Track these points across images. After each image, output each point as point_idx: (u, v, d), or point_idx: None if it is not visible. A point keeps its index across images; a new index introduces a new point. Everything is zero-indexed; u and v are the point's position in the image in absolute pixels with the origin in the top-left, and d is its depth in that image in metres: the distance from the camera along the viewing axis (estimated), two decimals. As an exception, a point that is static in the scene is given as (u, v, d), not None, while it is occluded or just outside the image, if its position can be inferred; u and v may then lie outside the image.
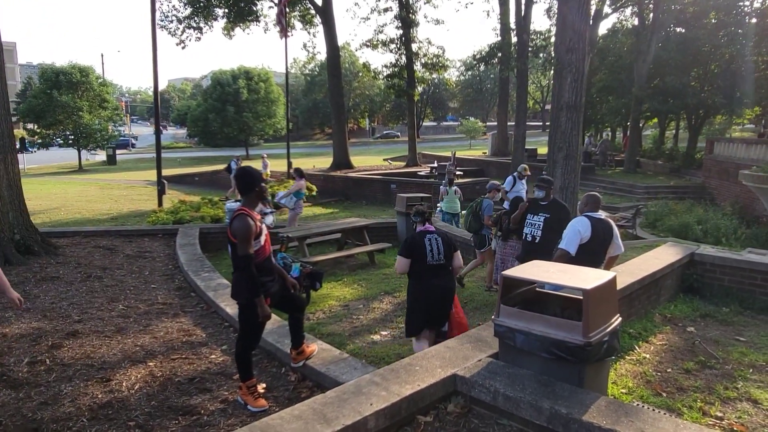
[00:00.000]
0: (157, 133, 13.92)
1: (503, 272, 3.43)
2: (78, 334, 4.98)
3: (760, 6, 21.45)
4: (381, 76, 28.34)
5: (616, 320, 3.30)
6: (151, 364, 4.40)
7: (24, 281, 6.63)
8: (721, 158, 18.11)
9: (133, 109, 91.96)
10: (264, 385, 4.05)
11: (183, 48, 23.38)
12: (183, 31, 23.07)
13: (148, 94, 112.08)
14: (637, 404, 3.53)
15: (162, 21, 22.91)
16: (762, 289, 5.90)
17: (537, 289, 3.71)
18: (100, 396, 3.83)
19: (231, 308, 5.53)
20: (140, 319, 5.51)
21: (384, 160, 34.25)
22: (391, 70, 26.97)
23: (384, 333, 5.99)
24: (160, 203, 13.60)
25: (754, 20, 21.74)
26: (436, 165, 22.25)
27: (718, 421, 3.48)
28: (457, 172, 16.91)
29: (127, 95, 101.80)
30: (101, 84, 38.72)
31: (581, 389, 3.02)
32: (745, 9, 22.21)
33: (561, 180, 7.65)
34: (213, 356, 4.64)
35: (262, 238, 3.79)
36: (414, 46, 26.59)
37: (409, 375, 3.16)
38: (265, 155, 22.45)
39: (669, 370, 4.31)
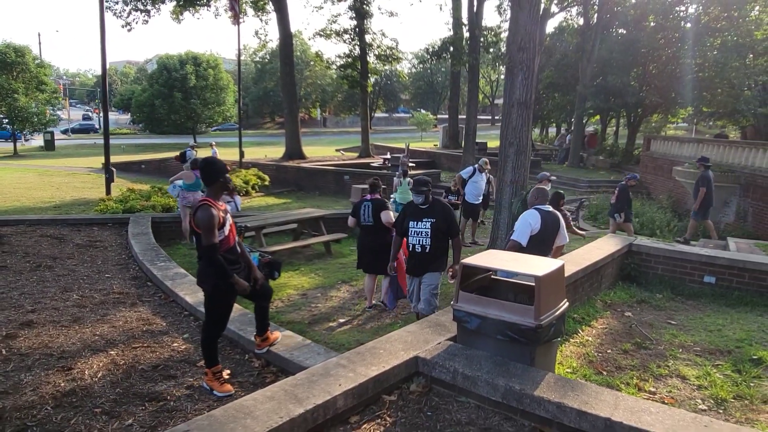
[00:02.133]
0: (105, 119, 13.47)
1: (462, 261, 3.66)
2: (33, 324, 4.90)
3: (694, 11, 22.70)
4: (334, 67, 28.26)
5: (564, 305, 3.59)
6: (112, 352, 4.40)
7: (-32, 271, 6.40)
8: (657, 155, 19.18)
9: (71, 92, 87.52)
10: (229, 372, 4.15)
11: (129, 30, 22.56)
12: (129, 13, 22.27)
13: (88, 77, 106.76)
14: (582, 382, 3.84)
15: (107, 1, 21.99)
16: (691, 276, 6.43)
17: (492, 276, 3.97)
18: (62, 384, 3.83)
19: (190, 297, 5.56)
20: (97, 308, 5.45)
21: (336, 150, 34.20)
22: (344, 60, 26.95)
23: (342, 320, 6.17)
24: (108, 191, 13.20)
25: (689, 25, 23.00)
26: (389, 156, 22.48)
27: (651, 396, 3.84)
28: (410, 164, 17.17)
29: (65, 77, 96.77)
30: (38, 65, 36.78)
31: (532, 368, 3.29)
32: (681, 14, 23.46)
33: (511, 174, 7.99)
34: (175, 344, 4.68)
35: (227, 228, 3.86)
36: (368, 38, 26.68)
37: (374, 357, 3.34)
38: (214, 143, 22.03)
39: (609, 351, 4.68)
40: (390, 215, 6.28)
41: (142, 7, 22.44)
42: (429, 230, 5.05)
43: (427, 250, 5.10)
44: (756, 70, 20.61)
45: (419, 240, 5.12)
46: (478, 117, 25.41)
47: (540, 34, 19.13)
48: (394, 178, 14.05)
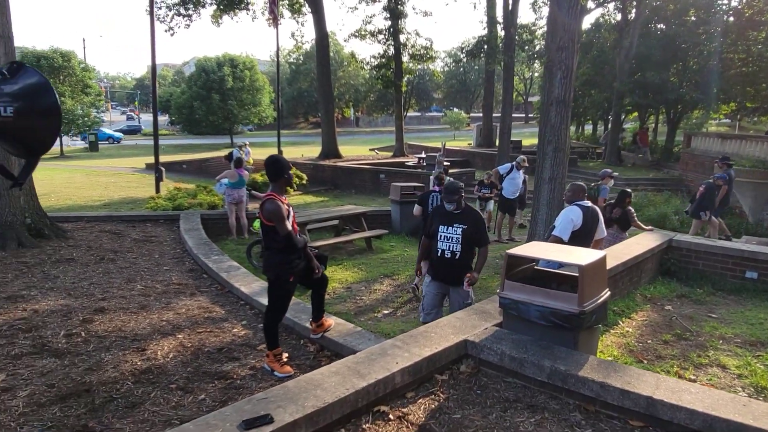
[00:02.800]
0: (155, 120, 14.09)
1: (508, 251, 3.88)
2: (105, 311, 5.32)
3: (737, 5, 22.18)
4: (369, 67, 28.56)
5: (606, 293, 3.77)
6: (179, 336, 4.78)
7: (41, 263, 6.91)
8: (698, 152, 18.84)
9: (111, 95, 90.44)
10: (287, 355, 4.46)
11: (172, 35, 23.43)
12: (172, 18, 23.06)
13: (127, 80, 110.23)
14: (623, 365, 4.01)
15: (149, 7, 22.79)
16: (733, 272, 6.47)
17: (535, 267, 4.17)
18: (139, 363, 4.21)
19: (245, 288, 5.92)
20: (160, 297, 5.86)
21: (370, 149, 34.51)
22: (379, 60, 27.23)
23: (386, 312, 6.43)
24: (157, 190, 13.81)
25: (731, 18, 22.48)
26: (424, 155, 22.64)
27: (691, 383, 3.98)
28: (446, 163, 17.33)
29: (105, 80, 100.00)
30: (83, 69, 38.32)
31: (576, 351, 3.48)
32: (723, 7, 22.93)
33: (550, 171, 8.12)
34: (235, 330, 5.03)
35: (290, 220, 4.18)
36: (402, 38, 26.85)
37: (426, 340, 3.59)
38: (247, 143, 22.62)
39: (649, 341, 4.82)
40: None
41: (184, 12, 23.18)
42: (460, 236, 4.75)
43: (457, 257, 4.75)
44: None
45: (449, 246, 4.77)
46: (512, 115, 25.38)
47: (577, 32, 18.96)
48: (431, 177, 14.27)
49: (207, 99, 45.47)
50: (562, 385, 3.22)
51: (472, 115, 63.33)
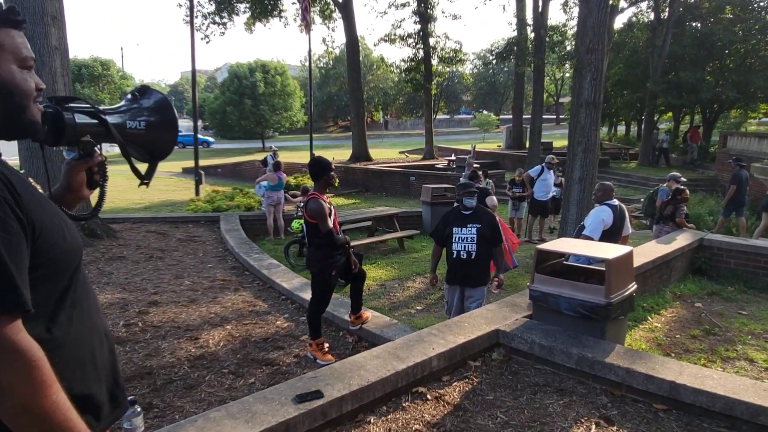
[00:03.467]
0: (195, 126, 14.65)
1: (538, 246, 4.09)
2: (158, 303, 5.72)
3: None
4: (398, 71, 28.87)
5: (632, 287, 3.94)
6: (228, 327, 5.13)
7: (95, 260, 7.39)
8: (734, 152, 18.50)
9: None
10: (328, 345, 4.75)
11: (207, 43, 24.21)
12: (208, 26, 23.81)
13: (161, 86, 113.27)
14: (648, 353, 4.18)
15: (187, 16, 23.60)
16: (765, 270, 6.50)
17: (564, 262, 4.37)
18: (193, 350, 4.56)
19: (286, 284, 6.25)
20: (207, 292, 6.24)
21: (400, 152, 34.81)
22: (408, 64, 27.52)
23: (419, 308, 6.68)
24: (197, 192, 14.36)
25: (769, 15, 22.02)
26: (453, 158, 22.82)
27: (713, 370, 4.11)
28: (475, 165, 17.48)
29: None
30: (122, 77, 39.73)
31: (603, 341, 3.67)
32: (761, 4, 22.46)
33: (580, 172, 8.24)
34: (278, 322, 5.36)
35: (332, 218, 4.48)
36: (431, 41, 27.09)
37: (460, 329, 3.83)
38: (275, 147, 23.08)
39: (677, 336, 4.95)
40: (494, 200, 7.48)
41: (219, 20, 23.92)
42: (475, 236, 4.80)
43: (473, 257, 4.80)
44: None
45: (465, 246, 4.81)
46: (544, 116, 25.34)
47: (608, 33, 18.86)
48: (461, 179, 14.43)
49: (239, 104, 46.50)
50: (590, 371, 3.42)
51: (501, 117, 63.03)
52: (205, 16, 24.02)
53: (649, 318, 5.34)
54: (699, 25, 24.43)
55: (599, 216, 5.32)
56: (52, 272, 1.14)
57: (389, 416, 3.01)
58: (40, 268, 1.11)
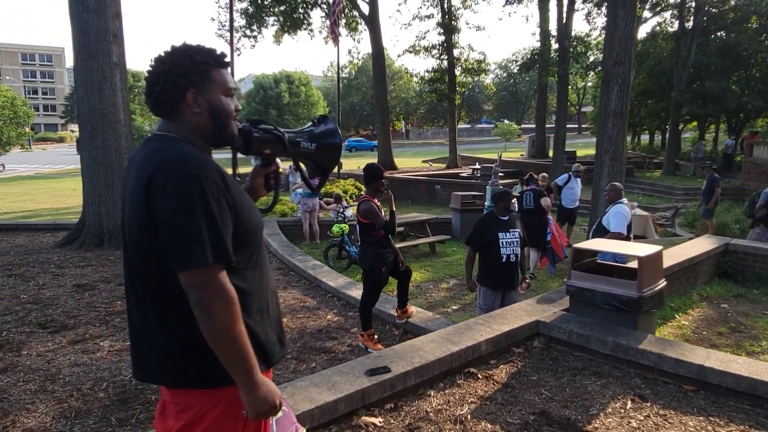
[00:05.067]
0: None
1: (574, 245, 4.47)
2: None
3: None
4: (422, 81, 29.39)
5: (662, 283, 4.30)
6: (284, 320, 5.54)
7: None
8: (761, 161, 18.56)
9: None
10: (377, 336, 5.17)
11: (239, 55, 24.94)
12: (239, 39, 24.64)
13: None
14: (678, 342, 4.51)
15: (219, 30, 24.51)
16: (789, 274, 6.75)
17: (597, 261, 4.74)
18: (256, 339, 5.01)
19: (332, 282, 6.70)
20: (258, 289, 6.72)
21: (423, 161, 35.24)
22: (433, 75, 28.02)
23: (455, 307, 7.07)
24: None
25: (795, 25, 22.03)
26: (478, 166, 23.16)
27: (738, 356, 4.42)
28: (501, 173, 17.81)
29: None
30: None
31: (636, 331, 4.03)
32: (787, 13, 22.49)
33: (607, 179, 8.58)
34: (329, 317, 5.80)
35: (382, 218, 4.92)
36: (456, 52, 27.60)
37: (503, 319, 4.23)
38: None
39: (704, 333, 5.26)
40: (548, 201, 8.29)
41: (250, 34, 24.76)
42: (518, 240, 5.11)
43: (518, 259, 5.13)
44: None
45: (512, 250, 5.05)
46: (567, 125, 25.54)
47: (633, 45, 19.02)
48: (487, 187, 14.81)
49: (264, 114, 47.53)
50: (624, 356, 3.78)
51: (523, 126, 63.12)
52: (236, 30, 24.87)
53: (677, 316, 5.65)
54: (724, 34, 24.50)
55: (621, 213, 5.73)
56: (246, 240, 1.59)
57: (446, 391, 3.42)
58: (239, 237, 1.56)
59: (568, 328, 4.09)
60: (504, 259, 5.03)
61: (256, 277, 1.65)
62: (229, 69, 1.67)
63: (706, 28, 24.06)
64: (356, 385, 3.09)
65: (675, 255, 6.45)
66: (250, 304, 1.60)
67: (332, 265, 8.68)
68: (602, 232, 5.77)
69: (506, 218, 5.20)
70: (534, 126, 33.22)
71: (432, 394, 3.36)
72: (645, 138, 40.04)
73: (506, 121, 59.12)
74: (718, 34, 24.86)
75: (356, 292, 6.04)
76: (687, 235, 12.56)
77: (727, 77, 22.94)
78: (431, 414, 3.12)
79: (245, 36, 25.09)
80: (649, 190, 20.51)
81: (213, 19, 45.14)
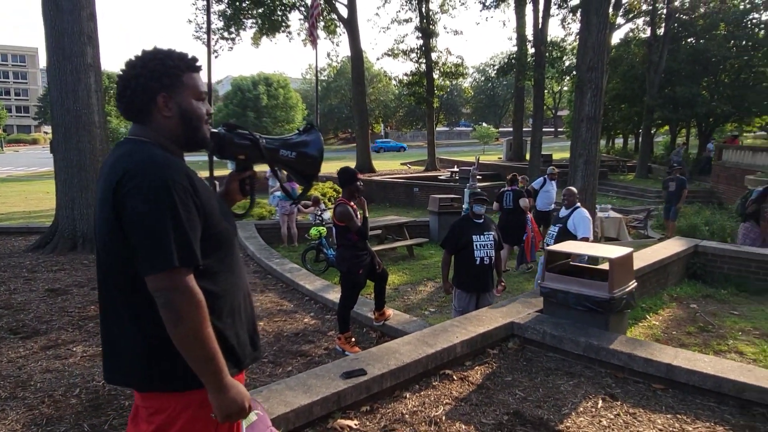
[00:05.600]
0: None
1: (547, 248, 4.55)
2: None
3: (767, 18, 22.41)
4: (401, 84, 29.52)
5: (632, 284, 4.40)
6: (260, 324, 5.56)
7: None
8: (729, 164, 19.05)
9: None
10: (354, 339, 5.18)
11: (216, 57, 24.71)
12: (216, 42, 24.44)
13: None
14: (647, 341, 4.62)
15: (197, 32, 24.29)
16: (756, 275, 6.95)
17: (570, 263, 4.83)
18: (232, 343, 4.98)
19: (309, 285, 6.69)
20: (235, 293, 6.67)
21: (402, 164, 35.37)
22: (411, 78, 28.17)
23: (432, 309, 7.11)
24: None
25: (762, 32, 22.68)
26: (456, 169, 23.34)
27: (705, 355, 4.55)
28: (478, 176, 17.98)
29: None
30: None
31: (607, 331, 4.12)
32: (754, 21, 23.15)
33: (581, 182, 8.75)
34: (306, 320, 5.79)
35: (358, 221, 4.94)
36: (434, 56, 27.79)
37: (479, 321, 4.28)
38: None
39: (674, 332, 5.39)
40: (526, 201, 8.77)
41: (227, 36, 24.59)
42: (493, 242, 5.17)
43: (492, 262, 5.20)
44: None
45: (487, 252, 5.13)
46: (543, 129, 25.90)
47: (606, 50, 19.30)
48: (465, 190, 14.95)
49: (242, 117, 47.19)
50: (596, 356, 3.86)
51: (500, 129, 63.80)
52: (214, 32, 24.67)
53: (648, 317, 5.78)
54: (694, 41, 25.13)
55: (586, 217, 5.91)
56: (217, 243, 1.60)
57: (422, 392, 3.45)
58: (209, 240, 1.56)
59: (541, 329, 4.16)
60: (478, 262, 5.10)
61: (228, 280, 1.65)
62: (200, 73, 1.68)
63: (676, 34, 24.65)
64: (332, 388, 3.11)
65: (646, 256, 6.59)
66: (221, 307, 1.61)
67: (310, 268, 8.67)
68: (568, 236, 5.86)
69: (481, 221, 5.28)
70: (511, 129, 33.60)
71: (408, 395, 3.39)
72: (619, 141, 40.79)
73: (484, 125, 59.71)
74: (689, 40, 25.49)
75: (333, 295, 6.05)
76: (658, 237, 12.84)
77: (697, 83, 23.51)
78: (407, 416, 3.14)
79: (223, 38, 24.93)
80: (622, 193, 20.90)
81: (190, 21, 44.75)
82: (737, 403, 3.29)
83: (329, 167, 30.39)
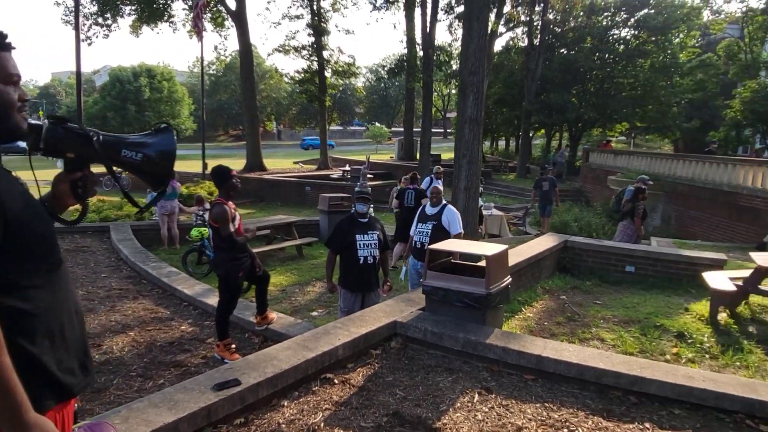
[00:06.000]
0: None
1: (429, 246, 4.62)
2: (51, 314, 5.54)
3: (626, 35, 24.89)
4: (293, 81, 29.06)
5: (508, 279, 4.60)
6: (131, 333, 5.13)
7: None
8: (595, 166, 20.93)
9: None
10: (235, 345, 4.94)
11: (89, 44, 22.73)
12: (90, 27, 22.46)
13: (29, 88, 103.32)
14: (520, 334, 4.86)
15: (66, 15, 22.15)
16: (615, 267, 7.63)
17: (452, 260, 4.95)
18: (97, 356, 4.54)
19: (188, 290, 6.30)
20: (104, 301, 6.12)
21: (294, 162, 34.85)
22: (303, 75, 27.81)
23: (321, 311, 7.01)
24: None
25: (622, 47, 25.13)
26: (348, 168, 23.40)
27: (572, 344, 4.87)
28: (369, 175, 18.15)
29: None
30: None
31: (484, 326, 4.27)
32: (615, 37, 25.60)
33: (465, 181, 9.06)
34: (183, 327, 5.44)
35: (236, 222, 4.71)
36: (325, 54, 27.63)
37: (362, 322, 4.25)
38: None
39: (545, 323, 5.74)
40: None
41: (102, 22, 22.66)
42: (377, 242, 5.12)
43: (376, 261, 5.15)
44: (681, 89, 22.75)
45: (371, 252, 5.08)
46: (432, 130, 26.76)
47: (488, 56, 20.27)
48: (355, 189, 14.95)
49: (122, 110, 43.95)
50: (473, 351, 3.98)
51: (393, 129, 65.07)
52: (86, 17, 22.66)
53: (523, 309, 6.11)
54: (565, 51, 27.27)
55: (457, 213, 6.14)
56: (29, 253, 1.37)
57: (301, 399, 3.33)
58: (17, 249, 1.34)
59: (423, 327, 4.21)
60: (362, 261, 5.06)
61: (46, 296, 1.43)
62: (12, 53, 1.44)
63: (551, 45, 26.59)
64: (201, 402, 2.90)
65: (522, 252, 6.98)
66: (35, 327, 1.38)
67: (191, 271, 8.21)
68: (442, 233, 5.98)
69: (365, 220, 5.26)
70: (403, 129, 34.36)
71: (286, 404, 3.26)
72: (502, 143, 43.29)
73: (377, 124, 60.54)
74: (561, 51, 27.62)
75: (214, 300, 5.73)
76: (535, 233, 13.74)
77: (568, 90, 25.55)
78: (283, 425, 3.02)
79: (97, 24, 22.97)
80: (504, 192, 22.17)
81: (58, 4, 41.06)
82: (597, 388, 3.53)
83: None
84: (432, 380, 3.68)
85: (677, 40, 23.60)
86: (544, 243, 7.67)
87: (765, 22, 21.00)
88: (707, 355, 4.88)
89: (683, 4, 24.04)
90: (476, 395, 3.45)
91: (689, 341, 5.16)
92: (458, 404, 3.33)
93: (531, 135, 30.67)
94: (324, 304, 7.32)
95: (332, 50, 28.15)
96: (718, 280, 5.88)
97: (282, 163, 34.20)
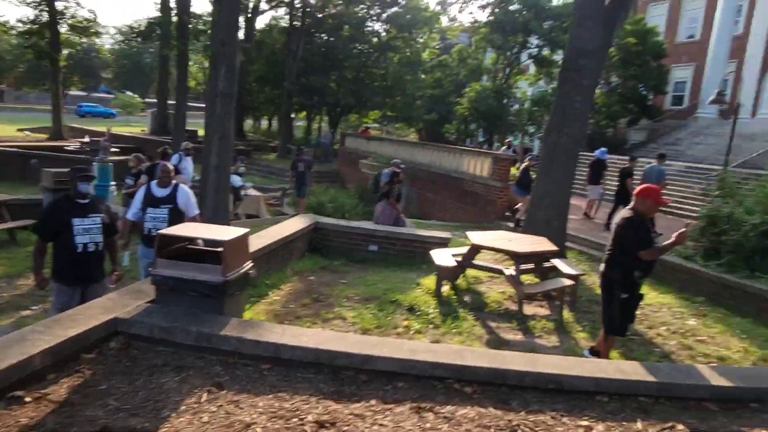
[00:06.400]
0: None
1: (159, 231, 4.16)
2: None
3: (379, 28, 26.74)
4: (17, 33, 24.14)
5: (248, 265, 4.41)
6: None
7: None
8: (350, 150, 22.11)
9: None
10: None
11: None
12: None
13: None
14: (259, 321, 4.74)
15: None
16: (359, 246, 8.07)
17: (188, 246, 4.55)
18: None
19: None
20: None
21: (19, 130, 29.20)
22: (29, 27, 23.26)
23: (35, 308, 5.95)
24: None
25: (375, 39, 26.87)
26: (87, 140, 20.45)
27: (311, 329, 4.95)
28: (112, 149, 16.10)
29: None
30: None
31: (222, 315, 4.01)
32: (370, 29, 27.27)
33: (216, 159, 8.56)
34: None
35: None
36: (59, 5, 23.51)
37: (73, 322, 3.60)
38: None
39: (291, 306, 5.74)
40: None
41: None
42: (100, 226, 4.55)
43: (100, 248, 4.59)
44: (424, 84, 25.37)
45: (92, 238, 4.50)
46: (192, 104, 25.01)
47: (249, 26, 19.61)
48: (94, 164, 13.12)
49: None
50: (207, 344, 3.70)
51: (147, 100, 59.20)
52: None
53: (271, 293, 6.02)
54: (326, 37, 28.06)
55: (190, 193, 5.60)
56: None
57: (-27, 430, 2.65)
58: None
59: (150, 322, 3.77)
60: (80, 249, 4.42)
61: None
62: None
63: (310, 29, 27.05)
64: None
65: (272, 234, 6.87)
66: None
67: None
68: (181, 216, 5.47)
69: (86, 201, 4.56)
70: (156, 101, 31.38)
71: (-53, 439, 2.56)
72: (265, 123, 42.88)
73: (129, 93, 54.46)
74: (322, 35, 28.32)
75: None
76: (292, 214, 13.89)
77: (327, 75, 26.39)
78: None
79: None
80: (265, 172, 21.96)
81: None
82: (331, 371, 3.59)
83: None
84: (156, 382, 3.30)
85: (422, 39, 26.18)
86: (294, 224, 7.70)
87: (487, 34, 24.67)
88: (431, 326, 5.45)
89: (426, 7, 26.75)
90: (205, 394, 3.20)
91: (417, 313, 5.70)
92: (183, 407, 3.03)
93: (293, 116, 30.98)
94: (40, 299, 6.18)
95: (67, 1, 24.10)
96: (443, 256, 6.61)
97: (4, 130, 28.19)
